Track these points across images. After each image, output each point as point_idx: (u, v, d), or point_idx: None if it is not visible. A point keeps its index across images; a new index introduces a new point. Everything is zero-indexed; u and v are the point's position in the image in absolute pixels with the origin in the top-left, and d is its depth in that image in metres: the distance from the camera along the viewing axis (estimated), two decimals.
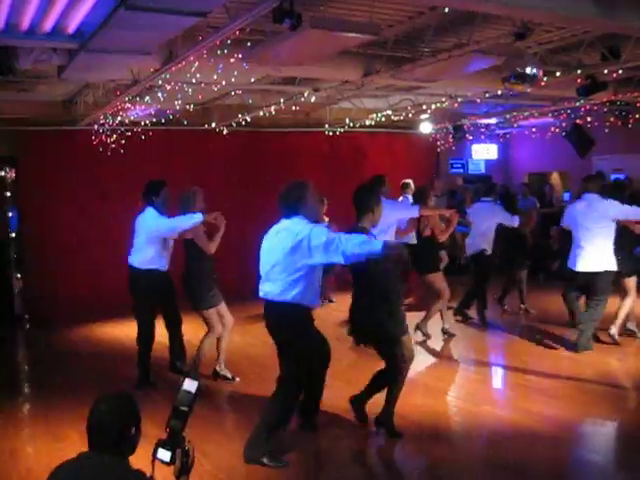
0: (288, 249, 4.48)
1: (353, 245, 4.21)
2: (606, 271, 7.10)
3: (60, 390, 6.63)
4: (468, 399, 5.97)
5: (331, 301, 10.67)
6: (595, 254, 7.09)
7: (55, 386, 6.84)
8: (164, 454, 2.69)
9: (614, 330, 7.41)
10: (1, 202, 10.78)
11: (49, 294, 10.40)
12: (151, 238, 6.54)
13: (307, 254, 4.42)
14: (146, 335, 6.71)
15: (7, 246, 10.81)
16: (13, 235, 10.85)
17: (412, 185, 10.23)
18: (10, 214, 10.85)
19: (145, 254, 6.59)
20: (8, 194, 10.82)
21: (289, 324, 4.65)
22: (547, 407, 5.67)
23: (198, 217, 6.18)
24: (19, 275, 10.87)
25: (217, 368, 6.63)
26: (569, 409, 5.58)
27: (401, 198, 10.15)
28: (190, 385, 2.80)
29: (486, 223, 8.84)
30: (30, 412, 6.33)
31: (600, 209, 7.08)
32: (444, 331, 8.23)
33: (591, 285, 7.17)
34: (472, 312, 9.07)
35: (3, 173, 10.79)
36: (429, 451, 4.95)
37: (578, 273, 7.21)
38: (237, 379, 6.62)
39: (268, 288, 4.68)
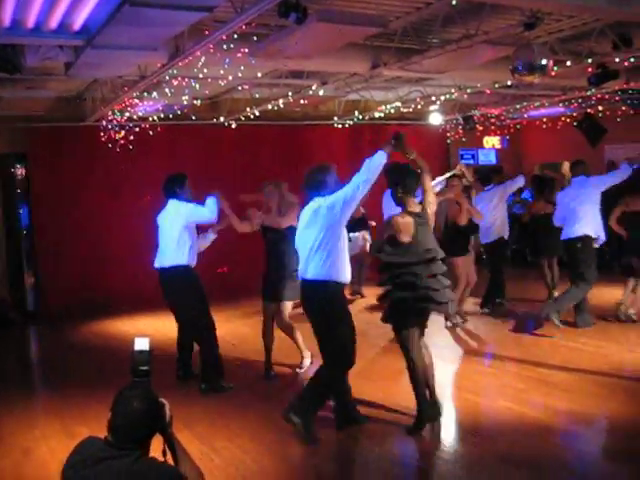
0: (321, 223, 4.77)
1: (365, 172, 4.76)
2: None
3: (73, 387, 6.65)
4: (480, 393, 5.94)
5: (362, 296, 10.62)
6: None
7: (67, 383, 6.87)
8: None
9: None
10: (12, 199, 10.81)
11: (60, 290, 10.45)
12: (185, 229, 6.24)
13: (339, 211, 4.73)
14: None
15: (18, 243, 10.86)
16: (24, 232, 10.88)
17: None
18: (21, 211, 10.89)
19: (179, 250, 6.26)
20: (18, 191, 10.85)
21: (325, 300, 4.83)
22: (561, 401, 5.62)
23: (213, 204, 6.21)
24: (30, 271, 10.91)
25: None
26: (583, 403, 5.53)
27: None
28: (141, 344, 2.76)
29: (494, 210, 8.97)
30: (43, 409, 6.34)
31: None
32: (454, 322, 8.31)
33: None
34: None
35: (13, 170, 10.81)
36: (441, 447, 4.92)
37: None
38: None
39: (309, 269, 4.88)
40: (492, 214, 8.92)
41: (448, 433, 5.20)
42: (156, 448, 2.69)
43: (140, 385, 2.70)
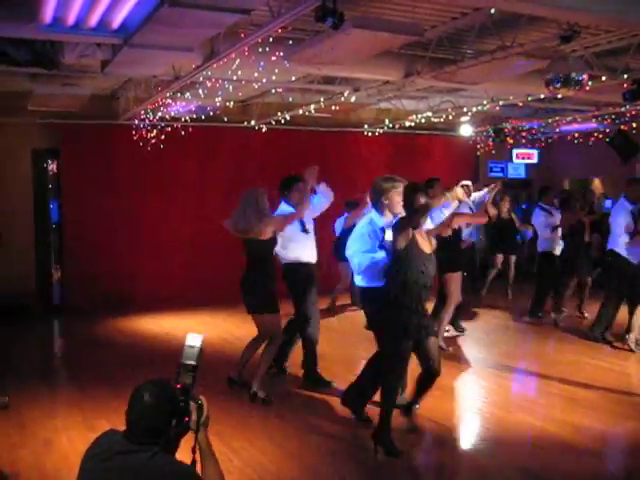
0: None
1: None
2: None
3: (95, 380, 6.72)
4: (502, 406, 5.88)
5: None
6: None
7: (90, 376, 6.93)
8: None
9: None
10: (43, 194, 10.95)
11: (87, 285, 10.55)
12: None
13: None
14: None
15: (47, 237, 11.00)
16: (53, 226, 11.02)
17: None
18: (51, 206, 11.03)
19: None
20: (50, 186, 10.99)
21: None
22: (582, 418, 5.55)
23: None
24: (58, 266, 11.04)
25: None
26: (605, 421, 5.46)
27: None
28: (193, 340, 2.77)
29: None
30: (65, 401, 6.41)
31: None
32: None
33: None
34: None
35: (45, 165, 10.96)
36: (461, 458, 4.89)
37: None
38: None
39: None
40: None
41: (468, 444, 5.17)
42: (185, 448, 2.69)
43: (160, 380, 2.69)
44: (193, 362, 2.72)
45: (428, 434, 5.23)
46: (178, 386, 2.69)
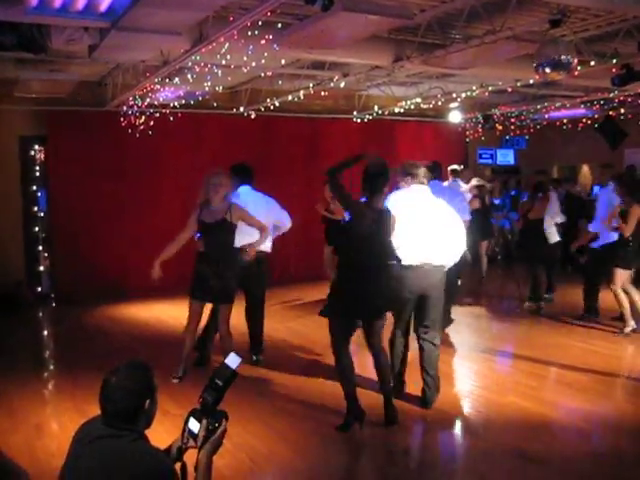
0: None
1: None
2: None
3: (85, 367, 6.68)
4: (493, 389, 5.91)
5: None
6: None
7: (80, 363, 6.90)
8: (194, 424, 2.65)
9: None
10: (30, 181, 10.86)
11: (75, 273, 10.50)
12: None
13: None
14: None
15: (35, 225, 10.92)
16: (41, 214, 10.95)
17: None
18: (39, 193, 10.95)
19: None
20: (37, 173, 10.90)
21: None
22: (573, 400, 5.60)
23: None
24: (46, 254, 10.98)
25: None
26: (595, 402, 5.51)
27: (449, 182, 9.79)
28: (232, 361, 2.75)
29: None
30: (56, 388, 6.40)
31: None
32: None
33: None
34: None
35: (32, 152, 10.86)
36: (454, 441, 4.92)
37: None
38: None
39: None
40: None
41: (459, 427, 5.19)
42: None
43: (129, 363, 2.69)
44: (220, 382, 2.72)
45: (419, 417, 5.24)
46: (199, 400, 2.68)
